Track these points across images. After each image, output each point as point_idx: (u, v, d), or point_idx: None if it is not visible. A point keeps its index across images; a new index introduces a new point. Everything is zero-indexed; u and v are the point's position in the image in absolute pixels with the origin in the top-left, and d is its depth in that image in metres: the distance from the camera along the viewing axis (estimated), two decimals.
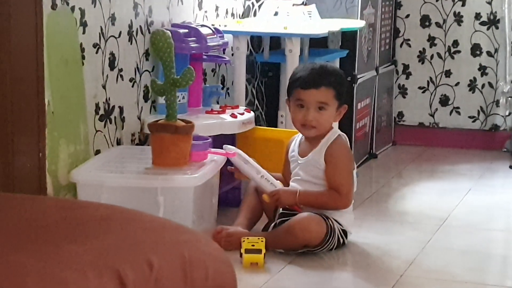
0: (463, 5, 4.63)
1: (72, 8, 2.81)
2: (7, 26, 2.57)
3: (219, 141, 3.22)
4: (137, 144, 3.23)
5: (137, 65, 3.21)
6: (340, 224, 2.93)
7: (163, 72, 2.89)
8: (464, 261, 2.89)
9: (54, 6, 2.71)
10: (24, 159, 2.65)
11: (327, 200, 2.91)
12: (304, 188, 2.94)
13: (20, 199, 2.04)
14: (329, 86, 2.94)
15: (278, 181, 2.99)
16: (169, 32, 2.89)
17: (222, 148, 3.01)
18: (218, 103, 3.63)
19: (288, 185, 3.02)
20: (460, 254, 2.95)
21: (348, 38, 4.02)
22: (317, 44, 3.86)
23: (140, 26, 3.21)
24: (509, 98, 4.58)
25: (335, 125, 3.12)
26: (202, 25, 3.39)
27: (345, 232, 2.95)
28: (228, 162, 3.03)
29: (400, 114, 4.80)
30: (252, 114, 3.45)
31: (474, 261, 2.90)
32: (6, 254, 1.53)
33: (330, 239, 2.89)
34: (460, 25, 4.66)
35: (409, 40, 4.74)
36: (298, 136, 3.06)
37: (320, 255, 2.89)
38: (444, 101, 4.73)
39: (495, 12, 4.59)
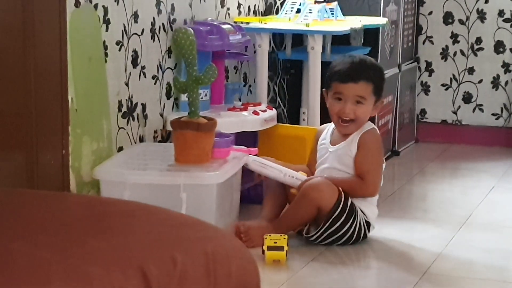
0: (486, 2, 4.61)
1: (96, 6, 2.82)
2: (31, 24, 2.58)
3: (241, 138, 3.22)
4: (159, 141, 3.24)
5: (159, 62, 3.21)
6: (365, 214, 2.93)
7: (185, 69, 2.90)
8: (487, 258, 2.87)
9: (77, 4, 2.72)
10: (47, 156, 2.66)
11: (353, 186, 2.92)
12: (329, 176, 2.95)
13: (44, 195, 2.05)
14: (368, 80, 2.95)
15: (300, 173, 2.99)
16: (191, 30, 2.89)
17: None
18: (240, 100, 3.62)
19: (313, 174, 3.02)
20: (483, 251, 2.94)
21: (370, 35, 4.01)
22: (340, 41, 3.85)
23: (163, 24, 3.22)
24: None
25: None
26: (224, 23, 3.39)
27: (368, 224, 2.95)
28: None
29: (423, 111, 4.78)
30: (274, 111, 3.45)
31: (497, 258, 2.88)
32: (31, 250, 1.54)
33: (348, 216, 2.87)
34: (483, 22, 4.63)
35: (431, 37, 4.72)
36: (331, 126, 3.06)
37: (343, 252, 2.89)
38: (467, 98, 4.70)
39: None
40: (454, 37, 4.68)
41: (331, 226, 2.88)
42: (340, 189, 2.89)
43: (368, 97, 2.96)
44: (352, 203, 2.91)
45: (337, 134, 3.02)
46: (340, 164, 2.96)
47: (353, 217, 2.90)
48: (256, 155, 3.14)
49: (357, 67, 2.97)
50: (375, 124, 4.03)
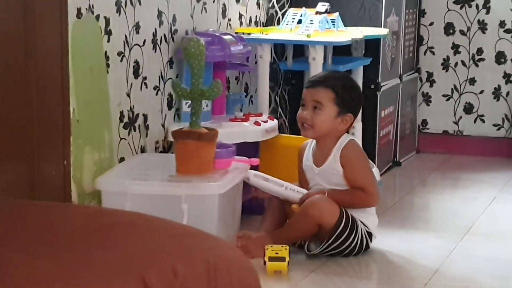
0: (487, 13, 4.61)
1: (97, 17, 2.82)
2: (33, 35, 2.59)
3: (243, 148, 3.22)
4: (161, 152, 3.24)
5: (161, 73, 3.22)
6: (365, 226, 2.94)
7: (189, 79, 2.89)
8: (489, 269, 2.86)
9: (79, 15, 2.73)
10: (49, 167, 2.66)
11: (355, 198, 2.92)
12: (330, 190, 2.95)
13: (45, 206, 2.05)
14: (327, 87, 2.96)
15: (302, 188, 3.00)
16: (203, 41, 2.88)
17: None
18: (241, 110, 3.63)
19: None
20: (485, 262, 2.93)
21: (371, 45, 4.01)
22: (341, 51, 3.85)
23: (164, 35, 3.22)
24: None
25: (359, 134, 3.10)
26: (226, 33, 3.40)
27: (370, 235, 2.95)
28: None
29: (424, 122, 4.78)
30: (275, 121, 3.45)
31: (499, 269, 2.87)
32: (32, 260, 1.54)
33: (351, 231, 2.87)
34: (484, 32, 4.64)
35: (433, 47, 4.72)
36: (310, 145, 3.06)
37: (345, 263, 2.88)
38: (469, 109, 4.70)
39: None
40: (455, 48, 4.69)
41: (334, 242, 2.88)
42: (340, 205, 2.89)
43: (326, 104, 2.95)
44: (352, 216, 2.91)
45: (317, 152, 3.01)
46: (330, 184, 2.96)
47: (355, 230, 2.90)
48: (257, 165, 3.14)
49: (322, 76, 3.03)
50: (375, 135, 4.07)
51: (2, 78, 2.55)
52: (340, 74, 3.07)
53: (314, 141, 3.03)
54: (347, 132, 3.01)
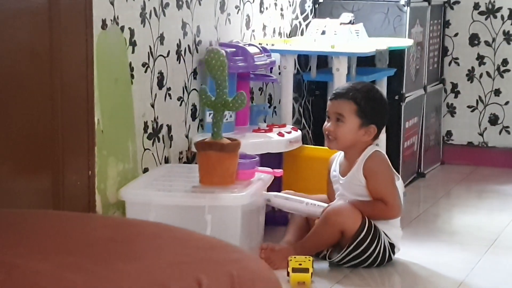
0: None
1: (122, 28, 2.84)
2: (58, 46, 2.60)
3: (266, 159, 3.22)
4: (184, 163, 3.24)
5: (185, 84, 3.23)
6: (388, 237, 2.92)
7: (214, 89, 2.90)
8: None
9: (104, 26, 2.74)
10: (73, 177, 2.67)
11: (376, 210, 2.91)
12: (352, 200, 2.94)
13: (70, 217, 2.06)
14: (349, 99, 2.96)
15: (323, 203, 2.99)
16: (223, 51, 2.89)
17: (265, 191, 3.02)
18: (265, 121, 3.63)
19: None
20: (509, 275, 2.91)
21: (396, 56, 4.00)
22: (365, 63, 3.85)
23: (188, 45, 3.23)
24: None
25: (383, 145, 3.09)
26: (250, 44, 3.40)
27: (392, 246, 2.94)
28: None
29: (449, 133, 4.76)
30: (299, 132, 3.45)
31: None
32: (56, 271, 1.55)
33: (372, 239, 2.86)
34: (509, 43, 4.61)
35: (457, 58, 4.70)
36: (339, 156, 3.06)
37: (367, 274, 2.87)
38: (494, 120, 4.68)
39: None
40: (480, 59, 4.67)
41: (355, 250, 2.87)
42: (367, 219, 2.88)
43: (348, 116, 2.95)
44: (375, 226, 2.90)
45: (344, 163, 3.02)
46: (352, 194, 2.96)
47: (377, 239, 2.89)
48: (281, 176, 3.14)
49: (345, 87, 3.03)
50: (399, 146, 4.05)
51: (28, 89, 2.56)
52: (364, 85, 3.06)
53: (343, 152, 3.03)
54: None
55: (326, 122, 3.02)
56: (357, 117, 2.96)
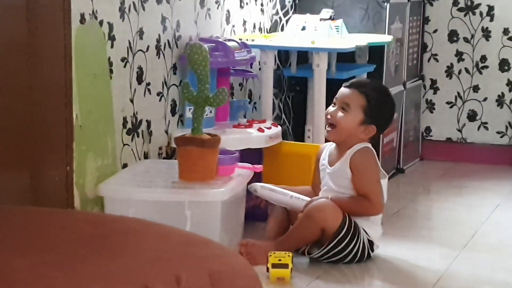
0: (491, 20, 4.61)
1: (101, 22, 2.82)
2: (36, 40, 2.59)
3: (246, 155, 3.21)
4: (164, 158, 3.23)
5: (164, 79, 3.21)
6: (368, 235, 2.93)
7: (195, 84, 2.88)
8: (492, 277, 2.86)
9: (82, 20, 2.72)
10: (51, 173, 2.66)
11: (358, 206, 2.92)
12: (335, 196, 2.94)
13: (48, 212, 2.05)
14: (362, 93, 2.97)
15: (306, 197, 3.00)
16: (206, 46, 2.88)
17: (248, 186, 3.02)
18: (245, 117, 3.62)
19: (317, 195, 3.02)
20: (488, 270, 2.92)
21: (375, 52, 4.01)
22: (345, 58, 3.85)
23: (168, 40, 3.22)
24: None
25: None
26: (230, 40, 3.39)
27: (371, 244, 2.94)
28: (250, 193, 3.05)
29: (428, 129, 4.77)
30: (279, 128, 3.44)
31: (502, 277, 2.86)
32: (34, 267, 1.53)
33: (352, 236, 2.87)
34: (488, 40, 4.63)
35: (436, 55, 4.72)
36: (331, 145, 3.06)
37: (347, 269, 2.87)
38: (472, 116, 4.70)
39: None
40: (459, 55, 4.68)
41: (336, 247, 2.87)
42: (347, 216, 2.89)
43: (354, 108, 2.96)
44: (355, 223, 2.90)
45: (334, 153, 3.02)
46: (336, 185, 2.96)
47: (356, 237, 2.89)
48: (260, 172, 3.14)
49: (363, 81, 3.10)
50: (379, 142, 4.05)
51: (5, 83, 2.54)
52: (381, 88, 3.08)
53: (334, 144, 3.03)
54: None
55: (330, 107, 3.01)
56: (362, 113, 2.96)
